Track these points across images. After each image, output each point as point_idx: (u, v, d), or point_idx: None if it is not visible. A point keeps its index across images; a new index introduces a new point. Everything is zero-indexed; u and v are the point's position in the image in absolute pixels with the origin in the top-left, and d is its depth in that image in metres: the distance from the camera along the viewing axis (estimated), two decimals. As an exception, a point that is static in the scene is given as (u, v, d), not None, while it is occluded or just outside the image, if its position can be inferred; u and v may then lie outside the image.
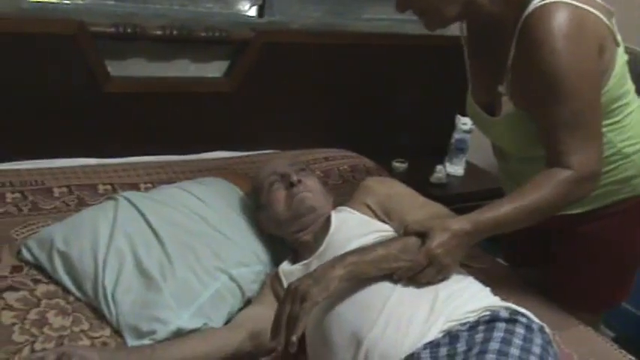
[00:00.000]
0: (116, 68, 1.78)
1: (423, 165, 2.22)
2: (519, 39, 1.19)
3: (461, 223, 1.14)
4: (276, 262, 1.41)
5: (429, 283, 1.11)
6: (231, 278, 1.32)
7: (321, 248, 1.28)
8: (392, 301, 1.09)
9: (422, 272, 1.11)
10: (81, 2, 1.74)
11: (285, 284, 1.28)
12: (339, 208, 1.40)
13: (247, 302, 1.34)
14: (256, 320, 1.23)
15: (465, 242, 1.14)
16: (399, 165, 2.22)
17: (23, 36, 1.61)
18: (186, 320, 1.21)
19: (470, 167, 2.34)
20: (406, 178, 2.04)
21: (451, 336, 1.04)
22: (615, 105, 1.28)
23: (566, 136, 1.17)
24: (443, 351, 1.02)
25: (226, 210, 1.47)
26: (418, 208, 1.30)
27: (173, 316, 1.21)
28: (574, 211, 1.35)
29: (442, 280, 1.13)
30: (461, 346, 1.02)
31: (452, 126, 2.28)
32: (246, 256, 1.38)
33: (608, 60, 1.23)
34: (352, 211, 1.36)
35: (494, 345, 0.99)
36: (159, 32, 1.76)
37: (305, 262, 1.29)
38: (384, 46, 2.15)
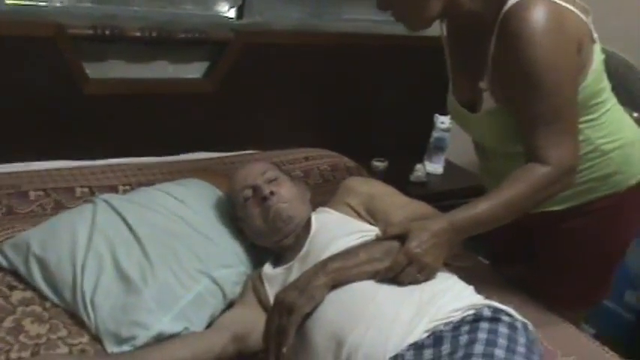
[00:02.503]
0: (95, 70, 1.76)
1: (403, 164, 2.23)
2: (499, 34, 1.20)
3: (439, 222, 1.15)
4: (257, 262, 1.40)
5: (411, 283, 1.11)
6: (213, 281, 1.31)
7: (303, 250, 1.27)
8: (375, 302, 1.08)
9: (403, 272, 1.11)
10: (59, 4, 1.71)
11: (267, 287, 1.29)
12: (320, 209, 1.39)
13: (229, 304, 1.33)
14: (239, 323, 1.22)
15: (444, 241, 1.14)
16: (379, 164, 2.23)
17: (0, 38, 1.58)
18: (166, 324, 1.19)
19: (449, 165, 2.36)
20: (386, 177, 2.05)
21: (435, 337, 1.04)
22: (593, 102, 1.30)
23: (544, 130, 1.18)
24: (427, 354, 1.01)
25: (206, 211, 1.46)
26: (401, 207, 1.31)
27: (153, 319, 1.19)
28: (555, 208, 1.36)
29: (425, 280, 1.13)
30: (445, 349, 1.01)
31: (430, 125, 2.29)
32: (227, 258, 1.37)
33: (586, 56, 1.24)
34: (332, 211, 1.35)
35: (478, 347, 0.99)
36: (138, 34, 1.74)
37: (287, 265, 1.28)
38: (364, 46, 2.16)
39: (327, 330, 1.08)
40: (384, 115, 2.26)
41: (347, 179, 1.50)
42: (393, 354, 1.02)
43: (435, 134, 2.28)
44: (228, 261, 1.36)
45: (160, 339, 1.18)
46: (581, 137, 1.26)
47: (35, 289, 1.28)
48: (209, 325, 1.26)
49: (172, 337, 1.19)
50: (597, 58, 1.27)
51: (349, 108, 2.20)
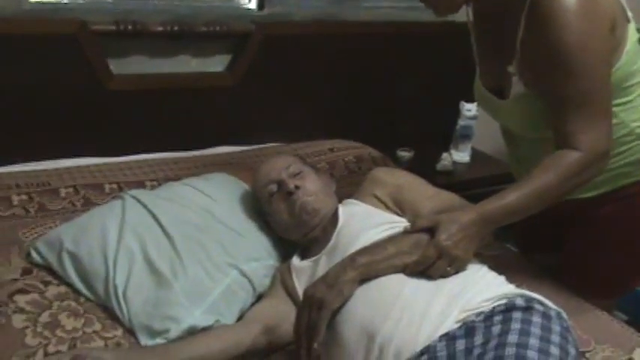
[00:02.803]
0: (118, 66, 1.77)
1: (428, 153, 2.21)
2: (528, 16, 1.17)
3: (468, 214, 1.13)
4: (285, 255, 1.40)
5: (441, 276, 1.10)
6: (242, 273, 1.31)
7: (331, 243, 1.27)
8: (404, 295, 1.08)
9: (433, 266, 1.10)
10: (81, 1, 1.72)
11: (295, 280, 1.29)
12: (346, 201, 1.38)
13: (259, 297, 1.34)
14: (269, 315, 1.22)
15: (474, 233, 1.12)
16: (405, 154, 2.21)
17: (25, 37, 1.60)
18: (198, 317, 1.21)
19: (476, 154, 2.33)
20: (412, 167, 2.06)
21: (467, 327, 1.02)
22: (627, 83, 1.26)
23: (575, 115, 1.16)
24: (460, 344, 1.00)
25: (233, 205, 1.46)
26: (429, 198, 1.29)
27: (185, 313, 1.20)
28: (586, 195, 1.34)
29: (456, 272, 1.11)
30: (477, 339, 1.00)
31: (456, 113, 2.26)
32: (256, 251, 1.37)
33: (620, 36, 1.21)
34: (359, 203, 1.35)
35: (512, 337, 0.97)
36: (159, 28, 1.75)
37: (314, 258, 1.28)
38: (386, 34, 2.13)
39: (358, 324, 1.08)
40: (409, 103, 2.24)
41: (373, 170, 1.48)
42: (424, 345, 1.01)
43: (462, 122, 2.25)
44: (257, 254, 1.37)
45: (192, 332, 1.20)
46: (615, 120, 1.23)
47: (69, 284, 1.29)
48: (239, 318, 1.27)
49: (204, 330, 1.21)
50: (632, 37, 1.24)
51: (373, 97, 2.19)
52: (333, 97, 2.12)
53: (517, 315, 1.02)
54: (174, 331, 1.18)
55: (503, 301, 1.05)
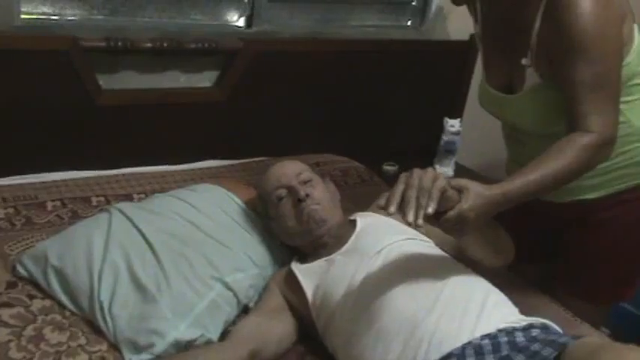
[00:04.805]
0: (108, 81, 1.79)
1: (413, 168, 2.23)
2: (546, 8, 1.24)
3: (494, 191, 1.13)
4: (272, 264, 1.43)
5: (444, 231, 1.12)
6: (227, 286, 1.33)
7: (347, 246, 1.30)
8: (445, 293, 1.14)
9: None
10: (72, 18, 1.75)
11: (303, 280, 1.29)
12: (363, 213, 1.42)
13: (244, 308, 1.36)
14: (256, 337, 1.23)
15: (493, 209, 1.13)
16: (390, 168, 2.24)
17: (16, 52, 1.62)
18: (182, 331, 1.22)
19: (459, 168, 2.36)
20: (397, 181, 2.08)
21: (507, 332, 1.08)
22: (634, 82, 1.31)
23: (588, 98, 1.20)
24: (503, 340, 1.06)
25: (219, 215, 1.48)
26: None
27: (169, 327, 1.21)
28: (589, 196, 1.36)
29: (458, 233, 1.12)
30: (520, 339, 1.06)
31: (440, 129, 2.30)
32: (240, 262, 1.39)
33: (628, 33, 1.27)
34: (378, 216, 1.38)
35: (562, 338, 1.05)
36: (149, 45, 1.77)
37: (327, 258, 1.30)
38: (372, 51, 2.17)
39: (400, 314, 1.12)
40: (394, 119, 2.28)
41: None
42: (466, 342, 1.06)
43: (445, 138, 2.28)
44: (242, 264, 1.38)
45: (178, 346, 1.21)
46: (621, 118, 1.26)
47: (54, 298, 1.30)
48: (224, 332, 1.29)
49: (190, 344, 1.22)
50: (638, 38, 1.30)
51: (359, 113, 2.22)
52: (320, 113, 2.14)
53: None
54: (160, 346, 1.19)
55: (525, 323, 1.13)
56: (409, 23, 2.30)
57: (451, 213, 1.08)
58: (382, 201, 1.03)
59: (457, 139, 2.28)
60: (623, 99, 1.28)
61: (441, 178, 1.02)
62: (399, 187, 1.01)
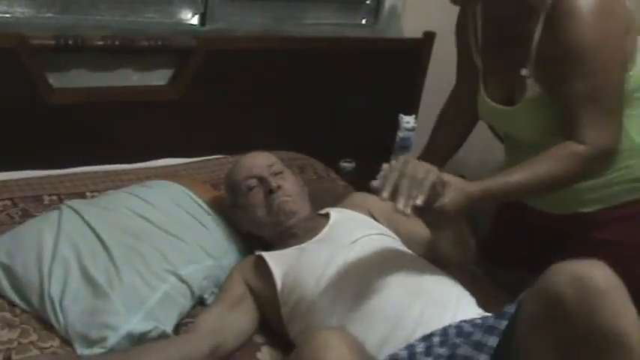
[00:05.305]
0: (59, 80, 1.77)
1: (370, 164, 2.25)
2: (547, 18, 1.23)
3: (474, 188, 1.15)
4: (227, 254, 1.43)
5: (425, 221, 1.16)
6: (180, 279, 1.33)
7: (320, 235, 1.32)
8: (425, 285, 1.18)
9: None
10: (21, 15, 1.73)
11: (273, 267, 1.29)
12: (335, 208, 1.44)
13: (198, 300, 1.36)
14: (216, 331, 1.24)
15: (471, 204, 1.15)
16: (347, 165, 2.27)
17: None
18: (135, 324, 1.21)
19: (415, 165, 2.40)
20: (355, 178, 2.11)
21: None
22: (637, 94, 1.30)
23: (584, 110, 1.20)
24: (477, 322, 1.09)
25: (174, 210, 1.48)
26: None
27: (122, 320, 1.21)
28: (586, 210, 1.35)
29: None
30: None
31: (396, 125, 2.33)
32: (194, 254, 1.39)
33: (632, 43, 1.26)
34: (351, 212, 1.41)
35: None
36: (100, 43, 1.76)
37: (299, 246, 1.32)
38: (327, 49, 2.20)
39: (384, 297, 1.14)
40: (350, 116, 2.30)
41: (357, 193, 1.55)
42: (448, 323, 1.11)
43: (400, 134, 2.32)
44: (196, 257, 1.39)
45: (131, 338, 1.21)
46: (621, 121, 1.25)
47: (4, 296, 1.28)
48: (178, 324, 1.29)
49: (143, 336, 1.21)
50: None
51: (315, 110, 2.24)
52: (275, 111, 2.16)
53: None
54: (112, 339, 1.19)
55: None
56: (363, 22, 2.34)
57: (434, 205, 1.11)
58: (377, 183, 1.06)
59: (412, 135, 2.31)
60: (625, 111, 1.26)
61: (433, 172, 1.05)
62: (394, 175, 1.04)
